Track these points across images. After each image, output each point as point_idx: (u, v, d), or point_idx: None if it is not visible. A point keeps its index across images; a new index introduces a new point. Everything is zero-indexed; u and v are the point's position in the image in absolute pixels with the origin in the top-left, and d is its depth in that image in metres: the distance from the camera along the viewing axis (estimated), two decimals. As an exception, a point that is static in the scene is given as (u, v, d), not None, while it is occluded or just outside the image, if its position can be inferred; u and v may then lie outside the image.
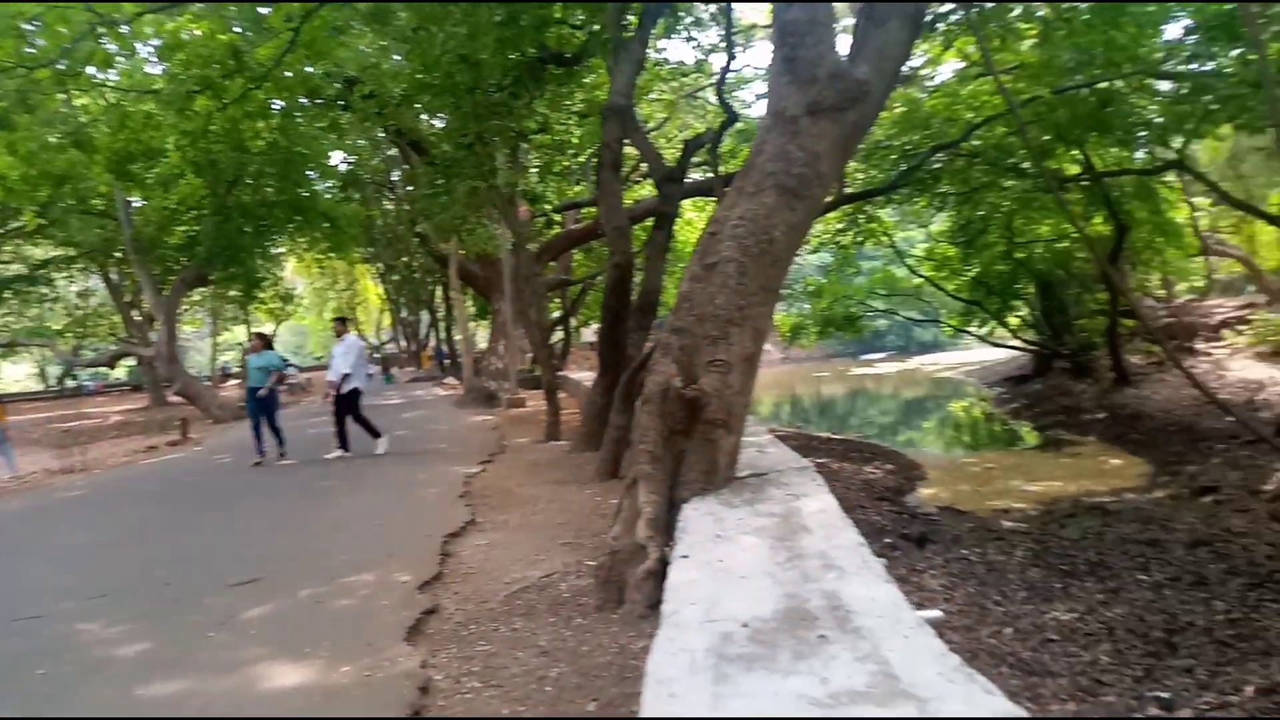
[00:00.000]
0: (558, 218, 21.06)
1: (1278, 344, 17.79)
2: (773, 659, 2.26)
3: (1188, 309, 24.21)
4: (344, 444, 11.90)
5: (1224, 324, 21.71)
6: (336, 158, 24.32)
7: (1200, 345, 20.85)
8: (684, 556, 3.42)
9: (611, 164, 9.44)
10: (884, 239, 22.57)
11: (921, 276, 24.74)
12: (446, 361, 38.41)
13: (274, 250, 28.15)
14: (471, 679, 3.97)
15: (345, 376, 11.73)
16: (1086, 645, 7.41)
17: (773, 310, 4.88)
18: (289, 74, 11.60)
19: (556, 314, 30.97)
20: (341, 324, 12.85)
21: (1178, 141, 13.88)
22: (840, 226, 20.33)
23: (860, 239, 21.32)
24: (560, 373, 24.09)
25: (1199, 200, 22.79)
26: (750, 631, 2.48)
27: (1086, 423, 18.62)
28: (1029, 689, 6.56)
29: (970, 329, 26.58)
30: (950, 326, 27.77)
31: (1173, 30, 11.52)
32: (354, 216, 23.90)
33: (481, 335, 36.50)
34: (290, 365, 38.49)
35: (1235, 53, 10.17)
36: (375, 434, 12.00)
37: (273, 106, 13.73)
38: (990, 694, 1.92)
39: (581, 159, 17.44)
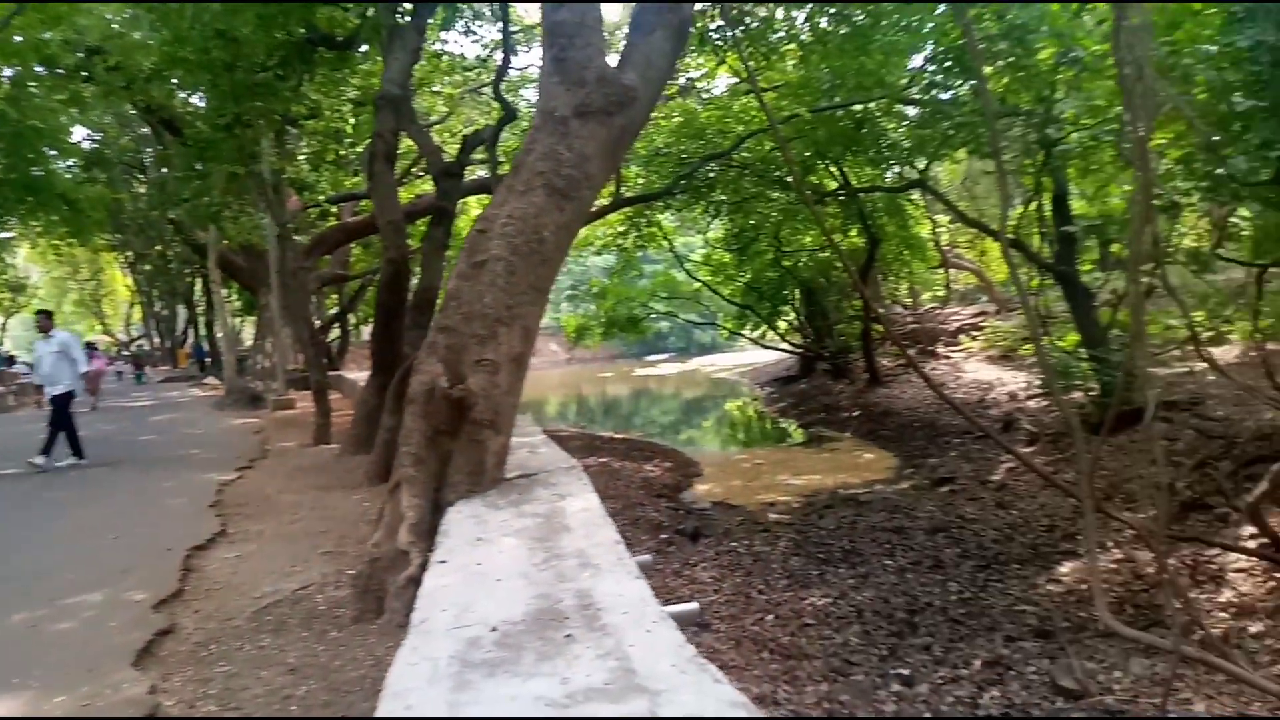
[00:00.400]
0: (333, 209, 20.06)
1: (1005, 349, 19.93)
2: (517, 662, 2.24)
3: (930, 316, 26.69)
4: (77, 450, 10.69)
5: (961, 330, 24.10)
6: (79, 134, 21.91)
7: (941, 349, 23.04)
8: (442, 561, 3.34)
9: (385, 155, 9.10)
10: (664, 243, 23.28)
11: (699, 281, 25.75)
12: (207, 360, 35.54)
13: (2, 235, 24.87)
14: (207, 702, 3.69)
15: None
16: (839, 628, 7.97)
17: (542, 310, 4.87)
18: (19, 38, 10.32)
19: (334, 310, 29.54)
20: (47, 318, 11.25)
21: (921, 162, 15.23)
22: (622, 229, 20.75)
23: (642, 242, 21.86)
24: (336, 372, 23.01)
25: (940, 217, 25.11)
26: (499, 635, 2.44)
27: (844, 420, 20.08)
28: (787, 672, 6.97)
29: (744, 332, 28.00)
30: (726, 329, 29.11)
31: (918, 59, 12.63)
32: (98, 199, 21.46)
33: (248, 332, 34.06)
34: (19, 362, 34.09)
35: (970, 84, 11.33)
36: (48, 450, 10.56)
37: (1, 74, 12.19)
38: (718, 683, 1.99)
39: (359, 149, 16.70)
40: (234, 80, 10.04)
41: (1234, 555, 7.12)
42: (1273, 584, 6.57)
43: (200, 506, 7.89)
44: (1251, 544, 7.13)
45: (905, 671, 6.96)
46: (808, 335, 26.62)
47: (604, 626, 2.44)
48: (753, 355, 37.95)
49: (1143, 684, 5.96)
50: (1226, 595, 6.72)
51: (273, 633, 4.52)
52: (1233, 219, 9.63)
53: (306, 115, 13.70)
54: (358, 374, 21.51)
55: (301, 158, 15.92)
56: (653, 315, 26.78)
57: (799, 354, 27.88)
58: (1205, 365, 8.15)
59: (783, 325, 27.46)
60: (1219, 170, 6.50)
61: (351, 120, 15.07)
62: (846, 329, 24.18)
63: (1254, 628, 6.15)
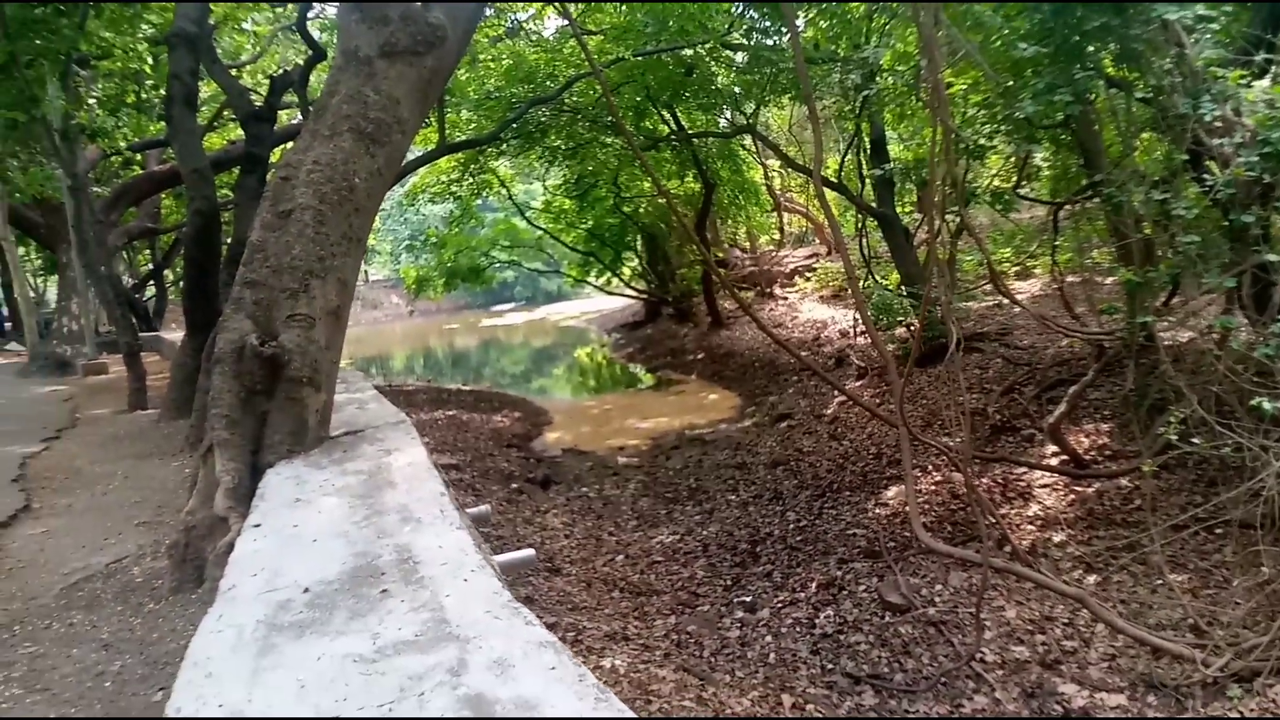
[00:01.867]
0: (137, 158, 18.56)
1: (836, 288, 20.78)
2: (328, 622, 2.19)
3: (767, 259, 27.43)
4: None
5: (796, 271, 24.89)
6: None
7: (778, 290, 23.78)
8: (256, 525, 3.21)
9: (184, 99, 8.42)
10: (501, 190, 22.82)
11: (541, 229, 25.44)
12: (7, 325, 32.35)
13: None
14: (11, 685, 3.48)
15: None
16: (686, 563, 8.24)
17: (359, 261, 4.67)
18: None
19: (148, 266, 27.55)
20: None
21: (750, 107, 15.48)
22: (455, 176, 20.12)
23: (478, 190, 21.30)
24: (153, 333, 21.58)
25: (771, 162, 25.72)
26: (310, 596, 2.38)
27: (689, 363, 20.54)
28: (637, 609, 7.16)
29: (589, 279, 27.98)
30: (571, 277, 29.01)
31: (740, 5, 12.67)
32: None
33: (53, 293, 31.13)
34: None
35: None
36: None
37: None
38: (530, 625, 2.02)
39: (162, 91, 15.42)
40: (7, 15, 9.02)
41: (1039, 473, 7.74)
42: (1073, 497, 7.20)
43: (2, 481, 7.28)
44: (1054, 461, 7.78)
45: (748, 599, 7.30)
46: (651, 281, 26.88)
47: (420, 579, 2.42)
48: (599, 302, 38.03)
49: (961, 595, 6.42)
50: (1034, 509, 7.29)
51: (84, 609, 4.31)
52: (1033, 160, 10.24)
53: (98, 55, 12.51)
54: (177, 334, 20.28)
55: (93, 101, 14.52)
56: (495, 265, 26.32)
57: (644, 299, 28.14)
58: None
59: (627, 271, 27.60)
60: (1015, 114, 6.90)
61: (150, 61, 13.87)
62: (689, 273, 24.56)
63: (1057, 537, 6.73)
